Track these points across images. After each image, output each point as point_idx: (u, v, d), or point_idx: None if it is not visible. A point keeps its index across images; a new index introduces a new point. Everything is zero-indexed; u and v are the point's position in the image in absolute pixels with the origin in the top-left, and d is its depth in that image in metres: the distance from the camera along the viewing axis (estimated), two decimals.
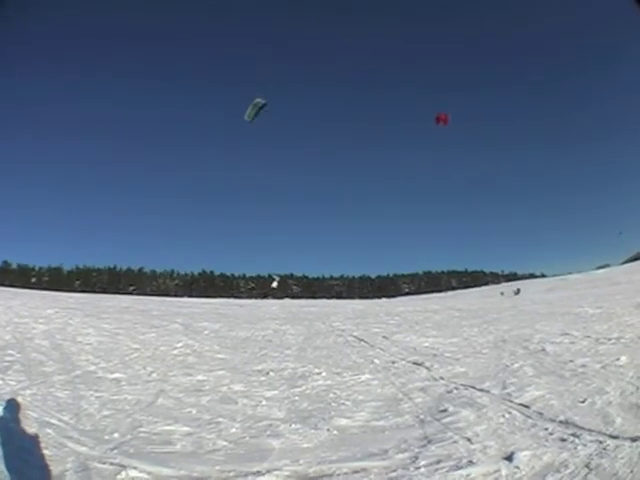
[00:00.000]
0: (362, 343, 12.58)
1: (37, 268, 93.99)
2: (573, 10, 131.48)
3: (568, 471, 3.59)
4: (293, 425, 5.30)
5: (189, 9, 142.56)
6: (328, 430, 5.12)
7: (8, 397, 5.98)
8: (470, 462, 3.90)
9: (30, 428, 4.88)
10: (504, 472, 3.67)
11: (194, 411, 6.06)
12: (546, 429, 4.62)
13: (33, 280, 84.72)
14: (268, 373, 8.59)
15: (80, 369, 8.51)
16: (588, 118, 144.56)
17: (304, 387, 7.41)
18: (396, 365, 8.99)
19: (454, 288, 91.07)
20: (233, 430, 5.23)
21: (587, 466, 3.63)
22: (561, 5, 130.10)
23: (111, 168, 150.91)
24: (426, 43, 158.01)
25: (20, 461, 3.94)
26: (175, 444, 4.77)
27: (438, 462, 3.95)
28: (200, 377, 8.21)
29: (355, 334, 14.89)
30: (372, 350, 11.20)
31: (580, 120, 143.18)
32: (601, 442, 4.10)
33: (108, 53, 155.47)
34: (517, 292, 49.77)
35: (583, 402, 5.49)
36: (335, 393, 6.91)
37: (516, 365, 8.12)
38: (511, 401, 5.82)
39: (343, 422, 5.39)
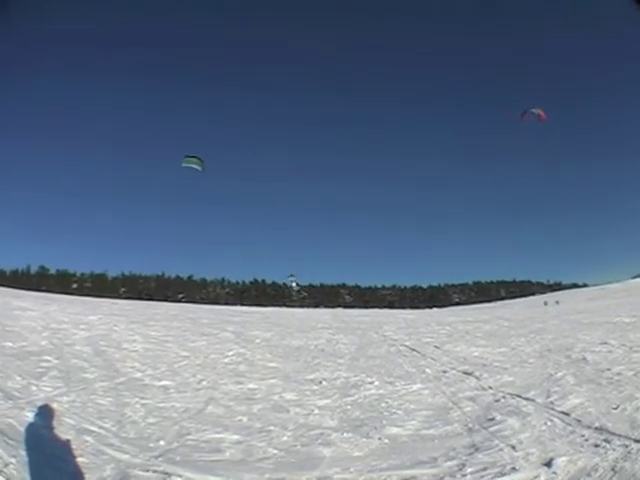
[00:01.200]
0: (414, 353, 12.42)
1: (79, 274, 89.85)
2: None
3: (597, 474, 3.67)
4: (345, 434, 5.18)
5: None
6: (379, 439, 5.01)
7: (41, 404, 5.64)
8: (513, 469, 3.96)
9: (65, 435, 4.59)
10: (543, 478, 3.75)
11: (245, 419, 5.85)
12: (582, 435, 4.63)
13: (74, 286, 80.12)
14: (321, 382, 8.41)
15: (125, 376, 8.09)
16: (626, 131, 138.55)
17: (356, 396, 7.28)
18: (447, 375, 8.90)
19: (502, 298, 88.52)
20: (284, 438, 5.07)
21: (613, 469, 3.71)
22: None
23: (159, 176, 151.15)
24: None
25: (52, 469, 3.78)
26: (224, 452, 4.60)
27: (484, 469, 4.00)
28: (251, 385, 7.96)
29: (407, 344, 14.68)
30: (424, 360, 11.07)
31: (618, 133, 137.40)
32: (627, 446, 4.14)
33: (115, 56, 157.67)
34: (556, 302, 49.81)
35: (616, 409, 5.46)
36: (387, 402, 6.83)
37: (559, 374, 7.99)
38: (553, 409, 5.79)
39: (394, 431, 5.35)
